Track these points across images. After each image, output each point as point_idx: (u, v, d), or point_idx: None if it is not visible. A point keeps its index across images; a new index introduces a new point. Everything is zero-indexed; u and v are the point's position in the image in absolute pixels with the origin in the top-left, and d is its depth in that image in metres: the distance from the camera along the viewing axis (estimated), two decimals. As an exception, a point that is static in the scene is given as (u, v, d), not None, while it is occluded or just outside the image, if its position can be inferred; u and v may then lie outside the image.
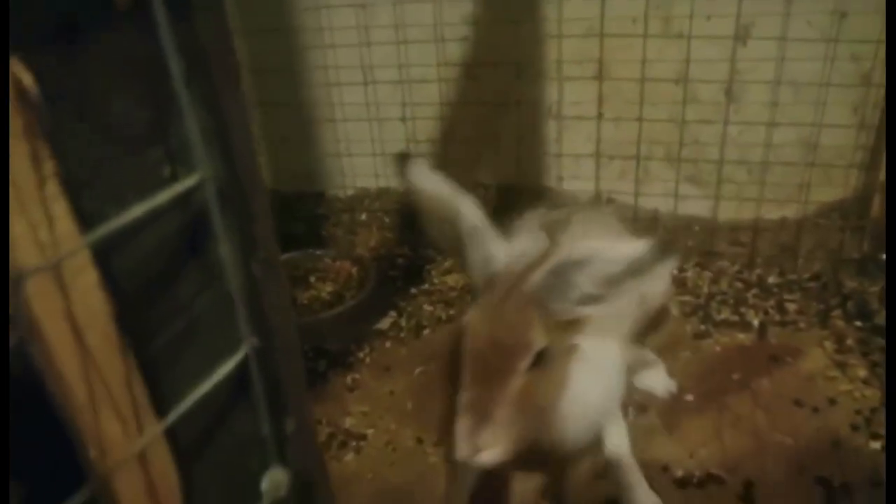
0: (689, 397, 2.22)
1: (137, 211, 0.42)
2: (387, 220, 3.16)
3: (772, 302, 2.58)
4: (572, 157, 2.87)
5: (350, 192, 3.22)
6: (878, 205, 2.56)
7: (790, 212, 2.74)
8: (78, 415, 0.47)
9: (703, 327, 2.50)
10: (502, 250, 1.29)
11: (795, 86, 2.53)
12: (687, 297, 2.65)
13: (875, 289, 2.55)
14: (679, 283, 2.71)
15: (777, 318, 2.51)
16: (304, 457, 0.61)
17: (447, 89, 2.87)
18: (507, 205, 3.05)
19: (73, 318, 0.45)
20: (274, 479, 0.59)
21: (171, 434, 0.50)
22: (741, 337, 2.45)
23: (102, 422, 0.47)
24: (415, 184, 1.29)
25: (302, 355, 0.61)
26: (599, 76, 2.68)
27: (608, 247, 1.20)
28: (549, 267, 1.21)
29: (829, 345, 2.36)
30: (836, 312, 2.49)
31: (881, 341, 2.31)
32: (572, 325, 1.26)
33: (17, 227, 0.40)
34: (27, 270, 0.42)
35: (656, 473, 1.98)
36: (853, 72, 2.47)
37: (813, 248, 2.69)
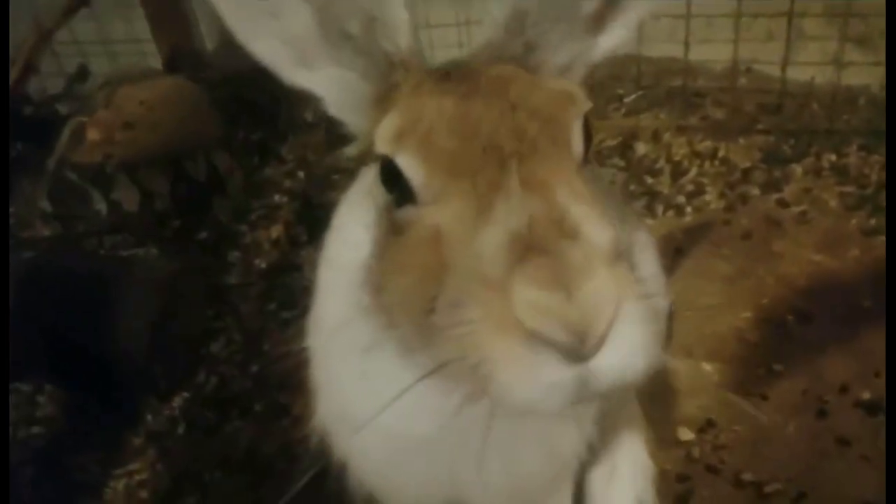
0: (867, 303, 1.75)
1: None
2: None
3: (966, 191, 2.03)
4: (703, 17, 2.32)
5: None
6: None
7: None
8: None
9: (872, 222, 2.00)
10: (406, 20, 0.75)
11: None
12: (850, 188, 2.13)
13: None
14: (839, 171, 2.18)
15: (975, 210, 1.97)
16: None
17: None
18: (623, 77, 2.55)
19: None
20: None
21: None
22: (927, 233, 1.93)
23: None
24: None
25: None
26: None
27: None
28: None
29: None
30: None
31: None
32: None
33: None
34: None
35: (832, 395, 1.54)
36: None
37: None
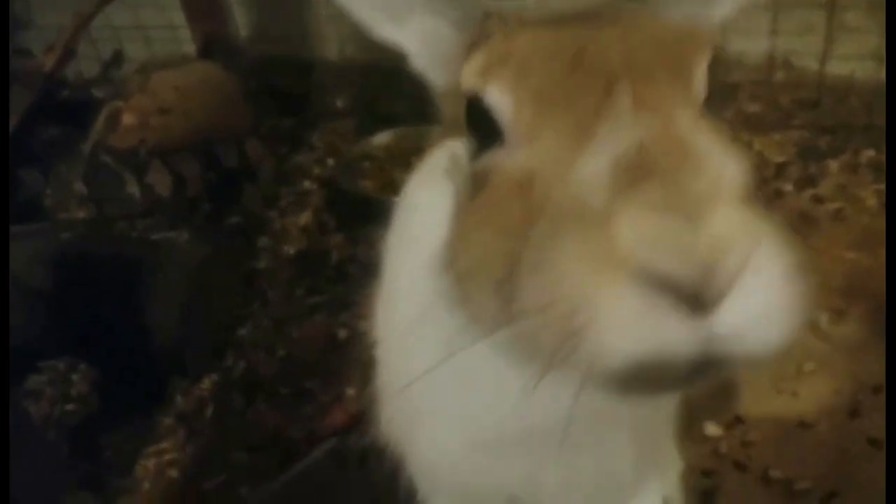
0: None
1: None
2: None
3: None
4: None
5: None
6: None
7: None
8: None
9: (910, 223, 1.94)
10: None
11: None
12: (882, 186, 2.08)
13: None
14: (877, 168, 2.13)
15: None
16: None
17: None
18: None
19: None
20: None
21: None
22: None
23: None
24: None
25: None
26: None
27: None
28: None
29: None
30: None
31: None
32: None
33: None
34: None
35: (865, 396, 1.51)
36: None
37: None
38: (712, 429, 1.47)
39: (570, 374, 0.50)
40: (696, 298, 0.44)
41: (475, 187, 0.61)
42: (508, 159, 0.58)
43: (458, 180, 0.65)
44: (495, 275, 0.55)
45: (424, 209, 0.77)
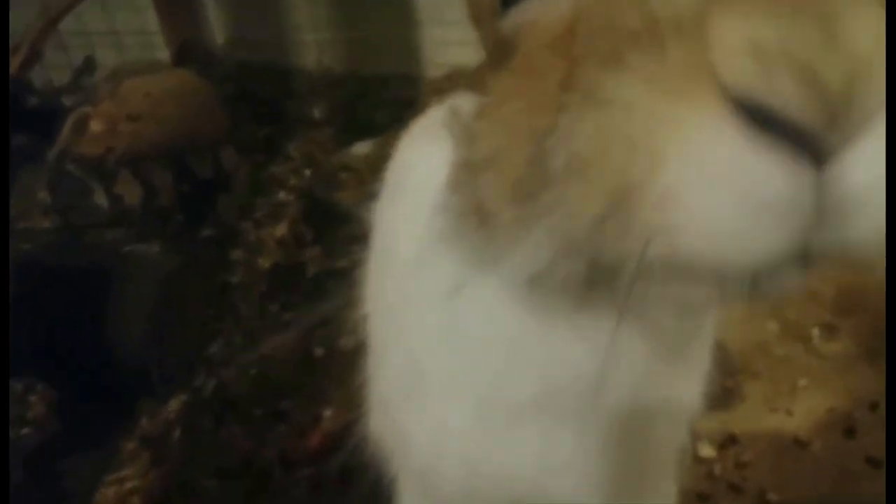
0: (896, 318, 1.66)
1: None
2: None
3: None
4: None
5: (440, 71, 2.72)
6: None
7: None
8: None
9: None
10: None
11: None
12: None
13: None
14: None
15: None
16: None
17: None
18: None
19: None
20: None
21: None
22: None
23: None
24: None
25: None
26: None
27: None
28: None
29: None
30: None
31: None
32: None
33: None
34: None
35: (861, 413, 1.46)
36: None
37: None
38: (706, 450, 1.41)
39: (614, 272, 0.36)
40: (815, 141, 0.30)
41: (499, 58, 0.46)
42: (543, 8, 0.44)
43: (457, 134, 0.53)
44: (521, 165, 0.40)
45: (422, 164, 0.66)
